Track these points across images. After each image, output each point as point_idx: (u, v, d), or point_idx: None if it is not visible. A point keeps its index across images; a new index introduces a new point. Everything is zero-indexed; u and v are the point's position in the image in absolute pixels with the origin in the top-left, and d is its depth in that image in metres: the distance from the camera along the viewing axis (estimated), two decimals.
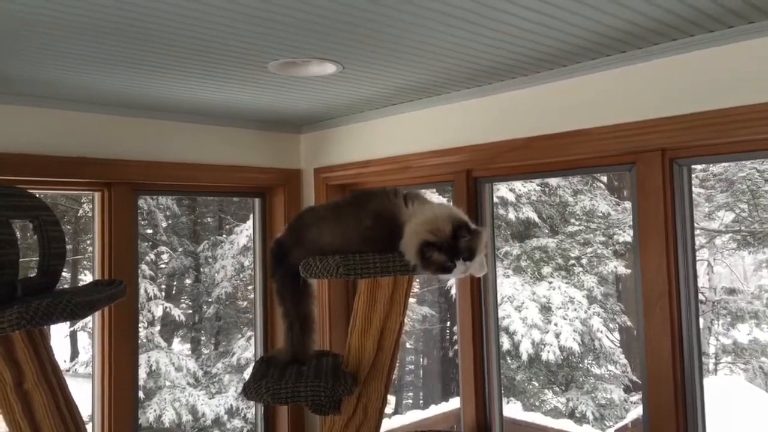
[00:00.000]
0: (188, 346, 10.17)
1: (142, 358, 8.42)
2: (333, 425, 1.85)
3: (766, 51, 1.74)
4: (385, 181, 2.88)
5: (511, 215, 9.44)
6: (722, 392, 6.82)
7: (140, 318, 8.32)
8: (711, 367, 8.84)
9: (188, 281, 10.37)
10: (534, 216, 9.51)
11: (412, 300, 9.29)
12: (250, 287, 9.50)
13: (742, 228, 8.98)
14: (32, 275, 1.66)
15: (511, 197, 9.40)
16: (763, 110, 1.73)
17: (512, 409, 7.24)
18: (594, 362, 9.14)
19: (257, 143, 3.11)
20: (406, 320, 1.94)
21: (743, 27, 1.74)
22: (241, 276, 9.72)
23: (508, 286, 9.10)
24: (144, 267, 9.10)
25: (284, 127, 3.18)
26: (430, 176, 2.73)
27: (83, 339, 10.37)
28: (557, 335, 8.73)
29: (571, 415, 8.79)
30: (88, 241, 9.75)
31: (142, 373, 8.41)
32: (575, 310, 8.88)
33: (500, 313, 8.55)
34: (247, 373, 2.27)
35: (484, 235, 1.68)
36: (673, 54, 1.91)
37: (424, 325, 10.52)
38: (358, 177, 3.02)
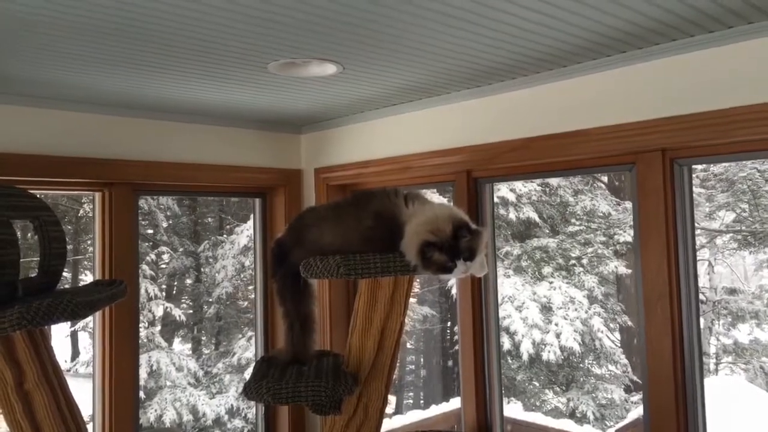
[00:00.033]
0: (189, 346, 10.18)
1: (143, 358, 8.42)
2: (334, 425, 1.86)
3: (766, 51, 1.74)
4: (386, 181, 2.88)
5: (512, 215, 9.44)
6: (723, 392, 6.82)
7: (141, 318, 8.32)
8: (712, 367, 8.83)
9: (189, 281, 10.37)
10: (535, 216, 9.51)
11: (412, 300, 9.27)
12: (250, 287, 9.51)
13: (743, 228, 8.97)
14: (33, 275, 1.66)
15: (511, 197, 9.40)
16: (763, 110, 1.73)
17: (513, 409, 7.23)
18: (594, 362, 9.13)
19: (257, 143, 3.11)
20: (406, 320, 1.94)
21: (743, 27, 1.74)
22: (242, 276, 9.73)
23: (508, 286, 9.09)
24: (145, 267, 9.11)
25: (284, 127, 3.19)
26: (430, 176, 2.73)
27: (84, 339, 10.38)
28: (558, 335, 8.73)
29: (572, 415, 8.79)
30: (89, 242, 9.75)
31: (143, 373, 8.42)
32: (576, 310, 8.88)
33: (501, 313, 8.52)
34: (248, 373, 2.27)
35: (484, 235, 1.68)
36: (673, 54, 1.91)
37: (425, 325, 10.52)
38: (358, 177, 3.02)
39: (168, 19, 1.57)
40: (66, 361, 10.17)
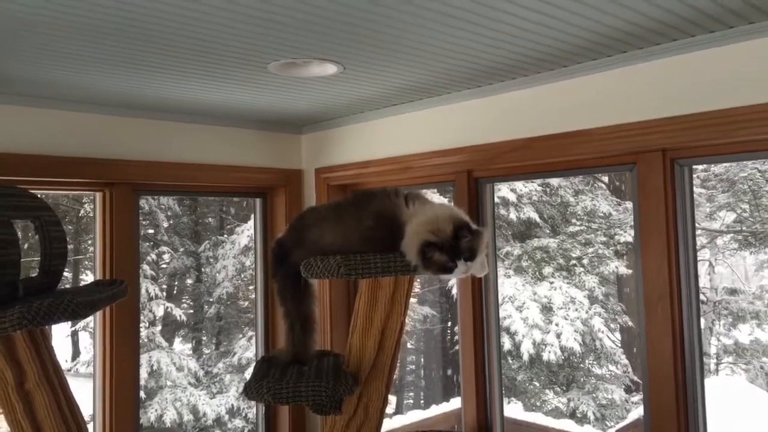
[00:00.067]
0: (189, 345, 10.18)
1: (144, 358, 8.43)
2: (334, 425, 1.86)
3: (767, 51, 1.74)
4: (386, 181, 2.88)
5: (513, 215, 9.44)
6: (723, 392, 6.81)
7: (141, 318, 8.32)
8: (712, 367, 8.83)
9: (189, 281, 10.38)
10: (535, 216, 9.50)
11: (413, 300, 9.29)
12: (251, 287, 9.51)
13: (744, 228, 8.97)
14: (34, 275, 1.66)
15: (512, 197, 9.40)
16: (763, 110, 1.73)
17: (513, 410, 7.23)
18: (595, 362, 9.13)
19: (258, 143, 3.12)
20: (407, 320, 1.94)
21: (744, 27, 1.74)
22: (242, 276, 9.73)
23: (509, 286, 9.09)
24: (145, 267, 9.11)
25: (285, 127, 3.19)
26: (430, 176, 2.73)
27: (84, 339, 10.39)
28: (558, 335, 8.73)
29: (572, 415, 8.79)
30: (90, 241, 9.75)
31: (144, 373, 8.43)
32: (576, 310, 8.88)
33: (501, 314, 8.55)
34: (248, 373, 2.28)
35: (485, 236, 1.68)
36: (674, 54, 1.91)
37: (425, 325, 10.52)
38: (358, 177, 3.02)
39: (168, 19, 1.57)
40: (67, 361, 10.18)
